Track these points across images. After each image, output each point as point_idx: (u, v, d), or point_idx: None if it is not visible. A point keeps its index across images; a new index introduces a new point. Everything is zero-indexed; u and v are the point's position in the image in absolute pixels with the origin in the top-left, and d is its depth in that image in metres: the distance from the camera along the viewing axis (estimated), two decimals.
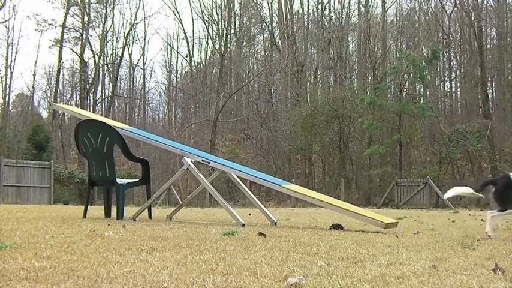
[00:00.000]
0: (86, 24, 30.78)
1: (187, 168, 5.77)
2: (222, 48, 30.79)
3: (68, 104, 34.37)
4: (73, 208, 10.51)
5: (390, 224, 4.87)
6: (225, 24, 31.55)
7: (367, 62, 28.58)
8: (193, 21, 44.62)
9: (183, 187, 23.12)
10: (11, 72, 31.40)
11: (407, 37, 29.13)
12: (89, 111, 30.42)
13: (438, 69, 29.04)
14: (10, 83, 31.34)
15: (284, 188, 5.61)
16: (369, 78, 28.74)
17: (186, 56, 33.81)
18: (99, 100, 32.55)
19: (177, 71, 35.91)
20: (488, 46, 27.71)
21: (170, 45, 35.23)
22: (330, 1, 31.38)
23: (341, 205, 5.33)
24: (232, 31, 32.53)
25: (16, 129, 28.72)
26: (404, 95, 24.53)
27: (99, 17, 31.94)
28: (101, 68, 32.31)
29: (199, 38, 34.77)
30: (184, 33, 35.35)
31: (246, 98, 32.95)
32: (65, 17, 30.38)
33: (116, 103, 35.43)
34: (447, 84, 29.97)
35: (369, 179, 23.73)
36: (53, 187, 18.32)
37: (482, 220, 7.66)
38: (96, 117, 7.33)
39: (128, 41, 32.69)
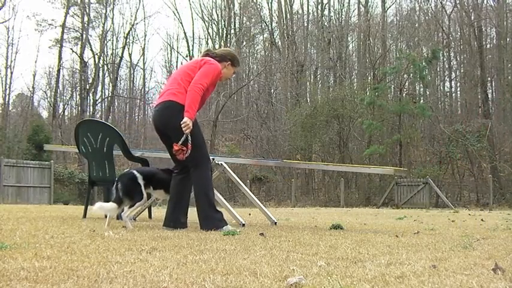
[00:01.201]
0: (86, 24, 30.80)
1: None
2: (222, 48, 30.79)
3: (67, 104, 34.42)
4: (73, 208, 10.51)
5: (398, 171, 5.03)
6: (224, 24, 31.59)
7: (367, 62, 28.59)
8: (193, 21, 44.80)
9: None
10: (11, 72, 31.47)
11: (407, 37, 29.14)
12: (89, 111, 30.46)
13: (438, 69, 29.06)
14: (10, 83, 31.39)
15: (285, 161, 5.63)
16: (369, 78, 28.74)
17: (186, 56, 33.82)
18: (99, 100, 32.57)
19: None
20: (488, 46, 27.73)
21: (170, 45, 35.30)
22: (329, 1, 31.41)
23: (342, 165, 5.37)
24: (232, 31, 32.56)
25: (16, 129, 28.73)
26: (404, 95, 24.55)
27: (99, 17, 32.00)
28: (100, 68, 32.34)
29: (199, 38, 34.83)
30: (184, 33, 35.49)
31: (246, 98, 32.96)
32: (65, 17, 30.44)
33: (116, 103, 35.45)
34: (447, 84, 30.00)
35: (368, 179, 23.73)
36: (53, 187, 18.32)
37: (482, 220, 7.67)
38: None
39: (127, 41, 32.75)
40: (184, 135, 4.14)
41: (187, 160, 4.24)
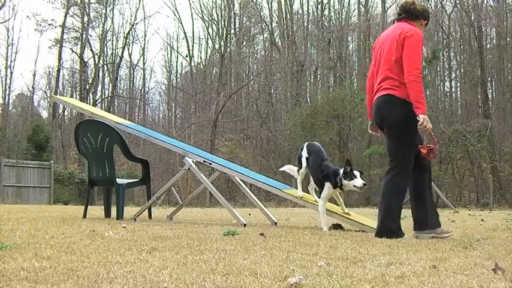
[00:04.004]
0: (85, 24, 30.79)
1: (189, 169, 5.77)
2: (222, 48, 30.79)
3: None
4: (73, 208, 10.51)
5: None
6: (224, 24, 31.56)
7: (367, 62, 28.55)
8: (193, 21, 44.73)
9: (183, 187, 23.13)
10: (11, 72, 31.43)
11: None
12: None
13: (438, 69, 29.03)
14: (10, 83, 31.37)
15: (285, 192, 5.61)
16: None
17: (186, 56, 33.83)
18: (99, 100, 32.55)
19: (177, 71, 35.93)
20: (488, 46, 27.71)
21: (170, 45, 35.26)
22: (329, 1, 31.39)
23: (340, 213, 5.32)
24: (232, 31, 32.54)
25: (16, 129, 28.72)
26: None
27: (99, 17, 31.97)
28: (100, 68, 32.33)
29: (199, 38, 34.81)
30: (184, 33, 35.44)
31: (246, 98, 32.95)
32: (65, 17, 30.43)
33: (116, 103, 35.43)
34: (447, 84, 29.98)
35: (369, 179, 23.71)
36: (53, 187, 18.31)
37: (482, 220, 7.67)
38: (95, 110, 7.28)
39: (127, 41, 32.71)
40: (425, 134, 3.95)
41: (391, 156, 3.99)
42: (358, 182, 4.67)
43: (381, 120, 4.08)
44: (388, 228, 3.90)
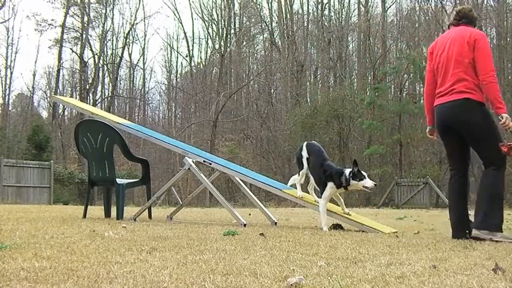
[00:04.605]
0: (85, 24, 30.79)
1: (189, 169, 5.77)
2: (222, 48, 30.78)
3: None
4: (73, 208, 10.51)
5: (390, 234, 4.88)
6: (225, 24, 31.56)
7: (367, 62, 28.57)
8: (193, 21, 44.67)
9: (183, 187, 23.13)
10: (11, 72, 31.42)
11: (407, 37, 29.13)
12: None
13: None
14: (10, 83, 31.35)
15: (285, 192, 5.61)
16: (369, 78, 28.73)
17: (186, 56, 33.82)
18: (99, 100, 32.56)
19: (177, 71, 35.93)
20: None
21: (170, 45, 35.25)
22: (329, 1, 31.39)
23: (340, 213, 5.33)
24: (232, 31, 32.54)
25: (16, 129, 28.71)
26: (404, 95, 24.56)
27: (99, 17, 31.97)
28: (100, 68, 32.31)
29: (199, 38, 34.78)
30: (184, 33, 35.43)
31: (246, 98, 32.95)
32: (65, 17, 30.42)
33: (116, 103, 35.42)
34: None
35: None
36: (52, 187, 18.31)
37: None
38: (95, 110, 7.27)
39: (127, 41, 32.70)
40: (506, 133, 4.05)
41: (485, 158, 4.08)
42: (369, 182, 4.73)
43: (459, 126, 4.09)
44: (487, 223, 4.07)
